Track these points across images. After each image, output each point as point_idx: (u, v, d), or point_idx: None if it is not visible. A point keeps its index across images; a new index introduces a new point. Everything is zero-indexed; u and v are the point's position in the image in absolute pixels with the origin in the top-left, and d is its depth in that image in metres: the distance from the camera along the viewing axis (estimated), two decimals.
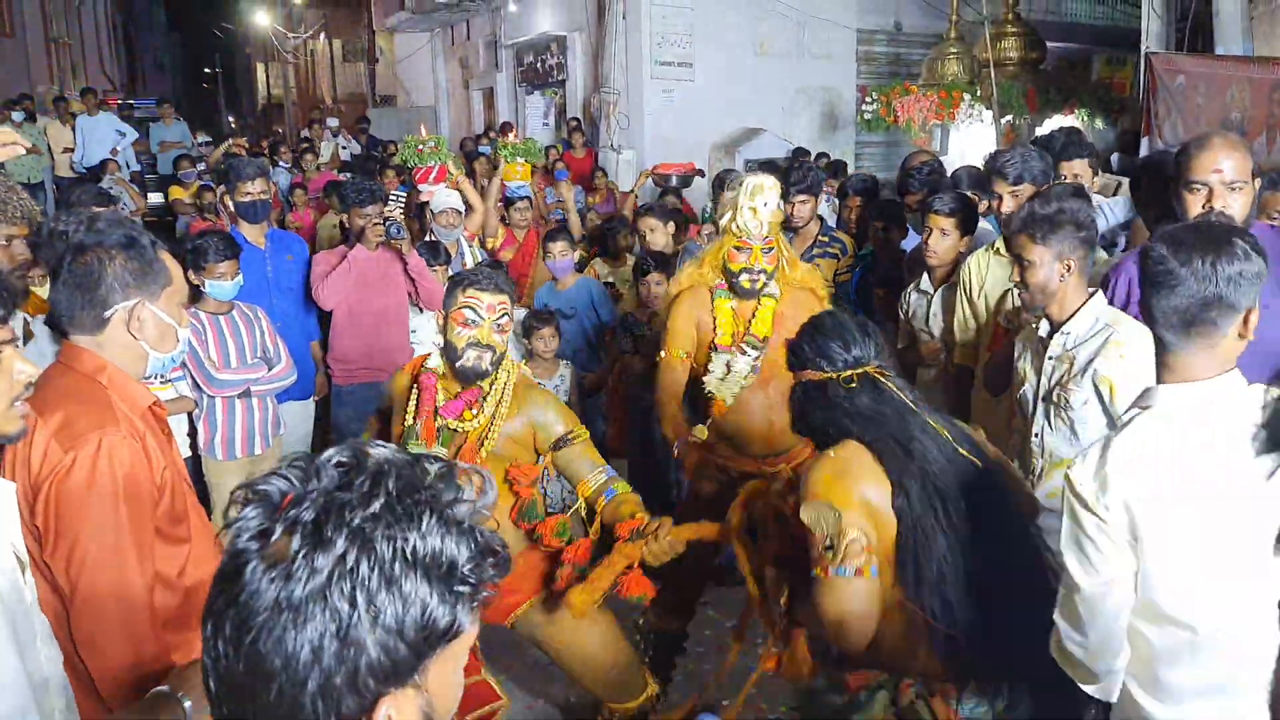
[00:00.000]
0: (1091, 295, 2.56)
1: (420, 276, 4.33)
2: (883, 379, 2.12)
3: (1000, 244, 3.54)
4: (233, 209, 4.31)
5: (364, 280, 4.27)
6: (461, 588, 0.85)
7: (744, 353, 3.16)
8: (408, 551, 0.83)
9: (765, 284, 3.15)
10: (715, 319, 3.20)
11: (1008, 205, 3.41)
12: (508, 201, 5.78)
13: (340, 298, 4.25)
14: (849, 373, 2.09)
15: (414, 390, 2.66)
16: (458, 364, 2.54)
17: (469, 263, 4.99)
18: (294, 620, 0.80)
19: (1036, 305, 2.60)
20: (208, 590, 0.87)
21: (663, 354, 3.28)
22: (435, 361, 2.67)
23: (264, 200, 4.29)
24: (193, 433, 3.83)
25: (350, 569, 0.81)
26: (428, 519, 0.84)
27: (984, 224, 3.86)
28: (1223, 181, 2.53)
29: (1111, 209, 3.95)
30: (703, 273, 3.25)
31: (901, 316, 3.82)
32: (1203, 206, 2.54)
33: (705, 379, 3.21)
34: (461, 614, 0.86)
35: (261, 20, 24.12)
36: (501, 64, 14.22)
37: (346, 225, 4.54)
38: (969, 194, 3.79)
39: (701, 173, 7.70)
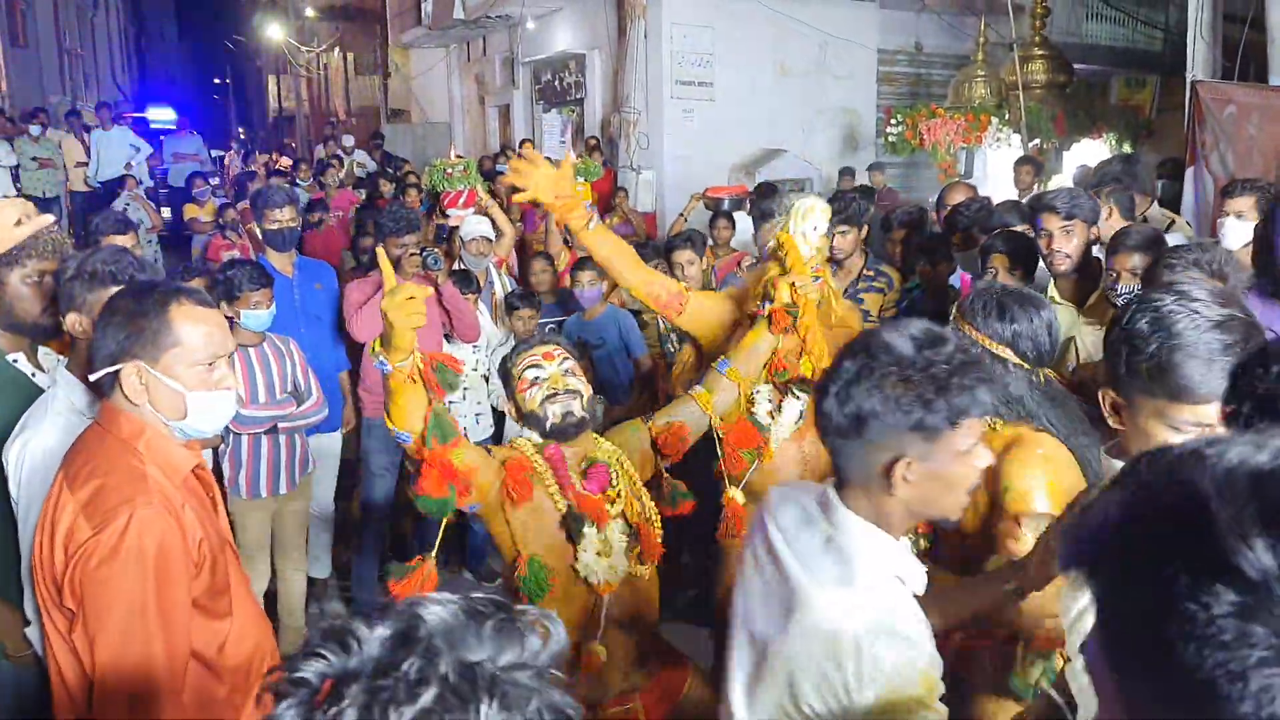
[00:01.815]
0: None
1: (455, 307, 4.20)
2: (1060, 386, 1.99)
3: (1053, 289, 3.41)
4: (260, 236, 4.19)
5: None
6: None
7: (795, 396, 2.80)
8: None
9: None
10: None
11: (1058, 242, 3.28)
12: None
13: (374, 329, 4.11)
14: (1044, 372, 1.94)
15: (536, 470, 2.26)
16: (549, 426, 2.27)
17: (499, 292, 4.87)
18: None
19: None
20: (252, 669, 0.74)
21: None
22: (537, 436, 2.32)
23: (292, 228, 4.16)
24: (217, 469, 3.70)
25: None
26: (487, 706, 0.71)
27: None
28: None
29: None
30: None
31: None
32: None
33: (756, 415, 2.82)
34: None
35: (274, 34, 24.05)
36: (519, 81, 14.14)
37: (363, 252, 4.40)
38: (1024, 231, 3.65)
39: (753, 195, 7.56)
